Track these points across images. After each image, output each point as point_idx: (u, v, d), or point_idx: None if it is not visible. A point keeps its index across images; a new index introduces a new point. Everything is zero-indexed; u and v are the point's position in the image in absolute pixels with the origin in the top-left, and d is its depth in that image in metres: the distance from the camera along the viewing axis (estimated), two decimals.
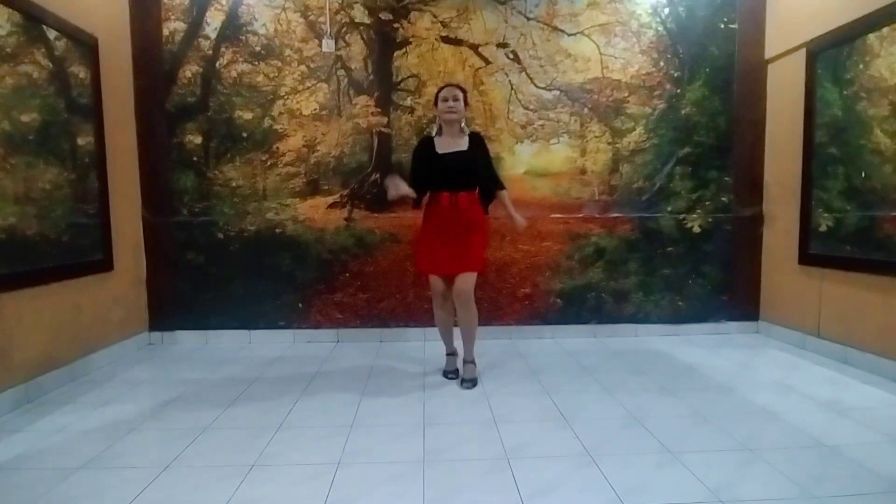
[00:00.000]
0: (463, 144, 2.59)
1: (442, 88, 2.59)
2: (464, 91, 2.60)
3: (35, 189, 2.50)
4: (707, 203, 3.57)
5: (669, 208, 3.56)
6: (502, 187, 2.68)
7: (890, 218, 2.66)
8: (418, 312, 3.50)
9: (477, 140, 2.64)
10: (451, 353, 2.78)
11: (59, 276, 2.63)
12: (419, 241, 2.70)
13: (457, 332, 2.70)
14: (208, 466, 1.80)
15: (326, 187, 3.47)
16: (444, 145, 2.58)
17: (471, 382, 2.60)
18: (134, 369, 2.93)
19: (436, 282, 2.60)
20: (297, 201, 3.46)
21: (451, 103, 2.53)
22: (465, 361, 2.67)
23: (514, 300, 3.54)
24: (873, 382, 2.59)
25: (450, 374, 2.74)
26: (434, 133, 2.64)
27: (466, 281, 2.52)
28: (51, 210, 2.59)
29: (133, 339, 3.28)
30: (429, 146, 2.60)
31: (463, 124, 2.62)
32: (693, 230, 3.57)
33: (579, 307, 3.56)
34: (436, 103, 2.60)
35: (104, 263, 2.99)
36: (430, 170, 2.55)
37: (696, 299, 3.60)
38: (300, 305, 3.48)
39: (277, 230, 3.45)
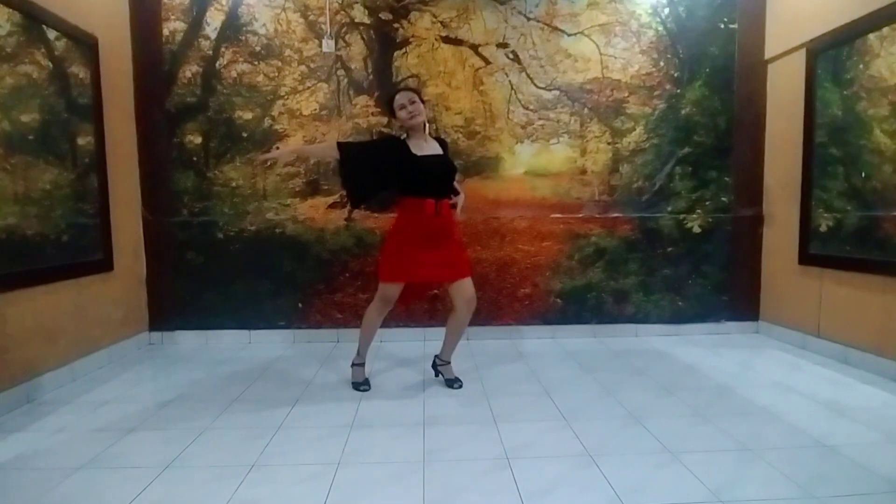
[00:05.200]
0: (436, 148, 2.50)
1: (394, 97, 2.47)
2: (417, 92, 2.50)
3: (35, 189, 2.50)
4: (707, 203, 3.57)
5: (669, 208, 3.56)
6: (457, 192, 2.60)
7: (890, 218, 2.66)
8: (418, 313, 3.49)
9: (446, 146, 2.58)
10: (363, 364, 2.62)
11: (59, 276, 2.63)
12: (393, 249, 2.46)
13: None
14: (208, 466, 1.80)
15: (326, 187, 3.47)
16: (418, 148, 2.43)
17: (460, 381, 2.60)
18: (134, 369, 2.94)
19: (393, 290, 2.46)
20: (297, 201, 3.45)
21: (409, 108, 2.40)
22: (446, 362, 2.65)
23: (514, 300, 3.54)
24: (873, 382, 2.59)
25: (363, 385, 2.56)
26: (403, 137, 2.50)
27: (470, 286, 2.50)
28: (51, 210, 2.59)
29: (133, 339, 3.28)
30: (402, 146, 2.43)
31: (426, 127, 2.51)
32: (693, 230, 3.57)
33: (579, 307, 3.56)
34: (392, 114, 2.49)
35: (104, 263, 2.99)
36: (410, 173, 2.39)
37: (696, 299, 3.60)
38: (300, 305, 3.48)
39: (277, 230, 3.44)
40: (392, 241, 2.49)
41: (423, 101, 2.48)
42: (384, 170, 2.41)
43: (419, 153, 2.41)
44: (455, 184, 2.56)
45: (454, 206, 2.51)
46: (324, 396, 2.49)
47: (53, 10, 2.60)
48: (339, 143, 2.49)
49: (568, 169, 3.55)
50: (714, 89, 3.53)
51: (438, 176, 2.44)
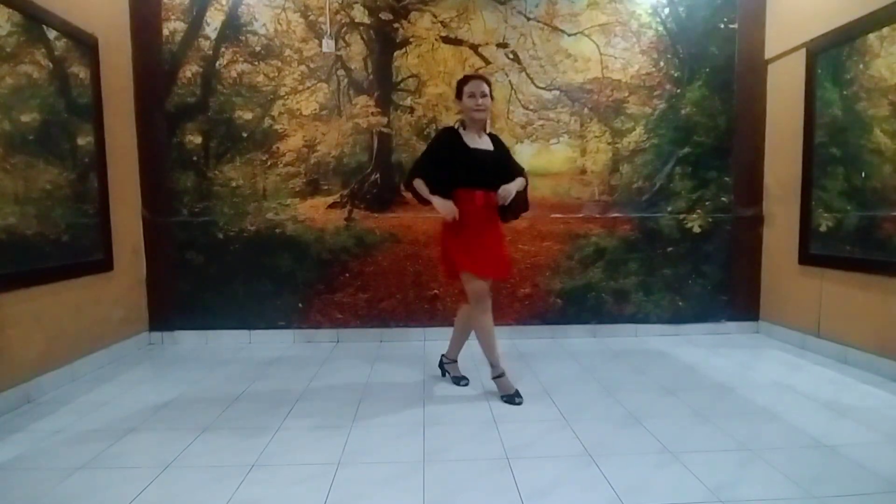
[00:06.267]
0: (489, 144, 2.46)
1: (467, 81, 2.39)
2: (489, 83, 2.42)
3: (35, 189, 2.50)
4: (707, 203, 3.57)
5: (669, 208, 3.56)
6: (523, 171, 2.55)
7: (890, 218, 2.66)
8: (418, 312, 3.50)
9: (498, 141, 2.53)
10: (504, 374, 2.48)
11: (59, 276, 2.63)
12: (462, 245, 2.38)
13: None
14: (208, 466, 1.80)
15: (326, 187, 3.47)
16: (471, 140, 2.41)
17: (466, 379, 2.65)
18: (134, 369, 2.93)
19: (483, 285, 2.39)
20: (297, 201, 3.45)
21: (479, 100, 2.34)
22: (452, 360, 2.70)
23: (514, 300, 3.54)
24: (873, 382, 2.59)
25: (517, 398, 2.39)
26: (457, 126, 2.46)
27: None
28: (51, 210, 2.59)
29: (133, 339, 3.28)
30: (457, 138, 2.40)
31: (487, 125, 2.51)
32: (693, 230, 3.57)
33: (579, 307, 3.56)
34: (459, 96, 2.41)
35: (104, 263, 2.99)
36: (462, 165, 2.36)
37: (696, 299, 3.60)
38: (300, 305, 3.48)
39: (277, 230, 3.44)
40: (455, 235, 2.40)
41: (492, 96, 2.44)
42: (449, 163, 2.40)
43: (472, 145, 2.40)
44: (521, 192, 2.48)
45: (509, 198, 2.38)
46: (324, 396, 2.48)
47: (53, 10, 2.60)
48: (413, 179, 2.41)
49: (568, 169, 3.55)
50: (714, 89, 3.53)
51: (489, 169, 2.39)
